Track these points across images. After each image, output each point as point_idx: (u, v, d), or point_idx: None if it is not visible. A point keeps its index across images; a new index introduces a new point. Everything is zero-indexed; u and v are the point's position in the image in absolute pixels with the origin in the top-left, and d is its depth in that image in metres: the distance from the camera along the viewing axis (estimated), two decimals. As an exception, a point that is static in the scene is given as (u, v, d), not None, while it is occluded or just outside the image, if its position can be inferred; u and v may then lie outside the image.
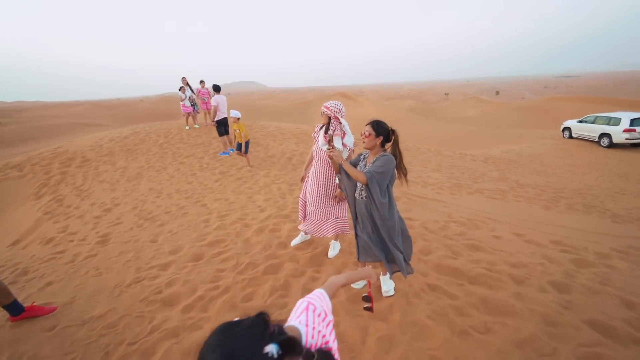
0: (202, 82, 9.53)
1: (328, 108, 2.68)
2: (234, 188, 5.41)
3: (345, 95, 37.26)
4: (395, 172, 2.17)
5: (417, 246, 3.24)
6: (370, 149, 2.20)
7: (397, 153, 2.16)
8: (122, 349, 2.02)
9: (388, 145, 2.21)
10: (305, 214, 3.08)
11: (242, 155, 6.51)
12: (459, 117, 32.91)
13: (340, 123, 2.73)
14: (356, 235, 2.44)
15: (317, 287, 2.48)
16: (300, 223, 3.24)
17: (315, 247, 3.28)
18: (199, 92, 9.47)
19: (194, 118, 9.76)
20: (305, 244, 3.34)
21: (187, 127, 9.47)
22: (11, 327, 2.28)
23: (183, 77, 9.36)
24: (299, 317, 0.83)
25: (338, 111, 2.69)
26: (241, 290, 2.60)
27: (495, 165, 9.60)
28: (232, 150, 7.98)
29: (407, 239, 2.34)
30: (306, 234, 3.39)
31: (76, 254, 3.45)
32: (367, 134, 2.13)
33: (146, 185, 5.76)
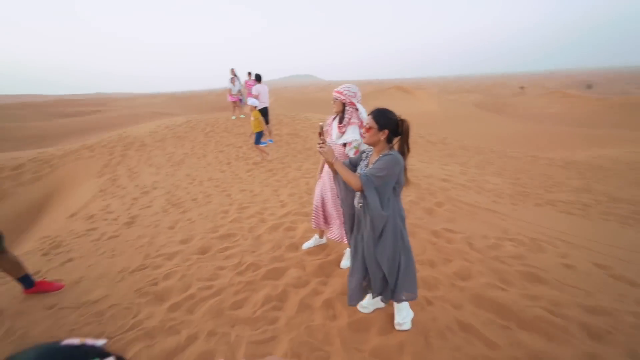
0: (249, 73, 9.68)
1: (341, 93, 2.22)
2: (262, 180, 5.26)
3: (401, 88, 35.12)
4: (404, 175, 1.66)
5: (452, 267, 2.61)
6: (373, 145, 1.73)
7: (405, 150, 1.65)
8: (99, 343, 1.92)
9: (396, 141, 1.71)
10: (326, 220, 2.67)
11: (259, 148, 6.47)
12: (537, 114, 28.51)
13: (357, 110, 2.25)
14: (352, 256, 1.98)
15: (317, 304, 2.09)
16: (317, 230, 2.91)
17: (328, 254, 2.88)
18: (247, 83, 9.65)
19: (240, 108, 10.02)
20: (318, 249, 2.96)
21: (233, 117, 9.76)
22: (23, 299, 2.39)
23: (232, 69, 9.62)
24: None
25: (353, 95, 2.22)
26: (233, 295, 2.34)
27: (579, 172, 7.85)
28: (271, 140, 7.93)
29: (408, 269, 1.83)
30: (321, 237, 3.01)
31: (104, 232, 3.62)
32: (367, 126, 1.66)
33: (184, 171, 5.98)
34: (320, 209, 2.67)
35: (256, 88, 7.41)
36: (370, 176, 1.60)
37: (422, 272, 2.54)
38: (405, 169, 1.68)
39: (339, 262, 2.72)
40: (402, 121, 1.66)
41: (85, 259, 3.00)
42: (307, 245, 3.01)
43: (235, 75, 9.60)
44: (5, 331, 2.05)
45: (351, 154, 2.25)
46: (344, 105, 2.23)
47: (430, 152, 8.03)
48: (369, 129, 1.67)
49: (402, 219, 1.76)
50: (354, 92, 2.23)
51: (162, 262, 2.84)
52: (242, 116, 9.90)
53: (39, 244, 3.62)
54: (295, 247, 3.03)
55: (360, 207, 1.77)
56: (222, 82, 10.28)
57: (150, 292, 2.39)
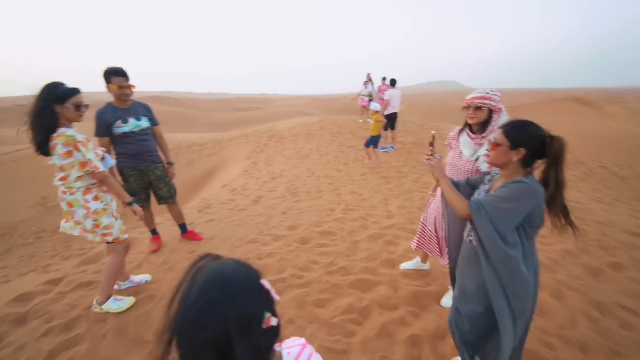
0: (384, 78, 9.67)
1: (489, 98, 1.79)
2: (374, 185, 5.14)
3: (582, 100, 26.71)
4: (540, 214, 1.17)
5: (618, 365, 1.76)
6: (500, 167, 1.31)
7: (558, 180, 1.15)
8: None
9: (539, 165, 1.22)
10: (440, 246, 2.32)
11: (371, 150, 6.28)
12: None
13: (500, 118, 1.80)
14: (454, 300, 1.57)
15: (400, 335, 1.84)
16: (420, 253, 2.60)
17: (428, 283, 2.50)
18: (379, 88, 9.69)
19: (368, 112, 10.16)
20: (417, 273, 2.62)
21: (360, 120, 10.02)
22: (178, 240, 3.18)
23: (368, 73, 9.86)
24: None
25: (499, 100, 1.79)
26: (319, 292, 2.36)
27: None
28: (392, 147, 7.67)
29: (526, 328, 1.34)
30: (423, 261, 2.65)
31: (237, 204, 4.41)
32: (494, 142, 1.28)
33: (306, 165, 6.57)
34: (434, 234, 2.32)
35: (388, 92, 7.32)
36: (485, 205, 1.22)
37: (562, 352, 1.82)
38: (550, 205, 1.21)
39: (440, 296, 2.31)
40: (552, 138, 1.19)
41: (220, 222, 3.73)
42: (405, 265, 2.71)
43: (370, 79, 9.82)
44: (162, 261, 2.79)
45: (484, 167, 1.82)
46: (490, 112, 1.82)
47: (615, 190, 5.76)
48: (496, 146, 1.27)
49: (535, 271, 1.27)
50: (499, 96, 1.80)
51: (269, 241, 3.19)
52: (369, 120, 10.05)
53: (198, 202, 4.80)
54: (392, 263, 2.78)
55: (470, 241, 1.39)
56: (358, 86, 10.76)
57: (253, 264, 2.72)
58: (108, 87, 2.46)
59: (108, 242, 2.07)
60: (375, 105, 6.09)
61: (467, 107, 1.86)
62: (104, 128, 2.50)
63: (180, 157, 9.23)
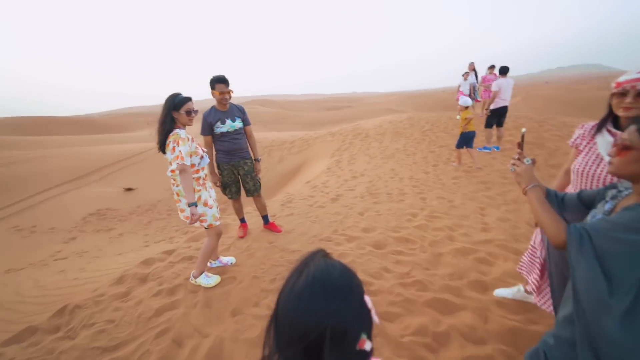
0: (491, 67, 8.30)
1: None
2: (468, 191, 4.45)
3: None
4: None
5: None
6: (631, 180, 0.91)
7: None
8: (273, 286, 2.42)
9: None
10: (542, 275, 1.83)
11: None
12: None
13: None
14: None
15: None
16: (525, 281, 2.08)
17: (532, 320, 1.98)
18: (484, 78, 8.37)
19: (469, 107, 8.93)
20: (518, 305, 2.11)
21: (457, 117, 8.91)
22: (260, 230, 3.46)
23: (471, 63, 8.65)
24: None
25: None
26: (388, 304, 2.16)
27: None
28: (497, 147, 6.54)
29: None
30: (529, 292, 2.12)
31: (316, 201, 4.52)
32: (622, 143, 0.89)
33: (390, 165, 6.24)
34: (540, 259, 1.82)
35: (497, 83, 6.23)
36: (594, 233, 0.83)
37: None
38: None
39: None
40: None
41: (299, 217, 3.88)
42: (502, 292, 2.22)
43: (474, 70, 8.60)
44: (246, 247, 3.07)
45: None
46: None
47: None
48: (624, 150, 0.87)
49: None
50: None
51: (343, 242, 3.12)
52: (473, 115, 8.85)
53: (281, 196, 5.14)
54: (484, 287, 2.32)
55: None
56: (457, 79, 9.58)
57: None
58: (212, 93, 2.83)
59: (205, 228, 2.39)
60: (465, 100, 5.32)
61: (620, 94, 1.34)
62: (207, 128, 2.90)
63: (273, 154, 10.16)
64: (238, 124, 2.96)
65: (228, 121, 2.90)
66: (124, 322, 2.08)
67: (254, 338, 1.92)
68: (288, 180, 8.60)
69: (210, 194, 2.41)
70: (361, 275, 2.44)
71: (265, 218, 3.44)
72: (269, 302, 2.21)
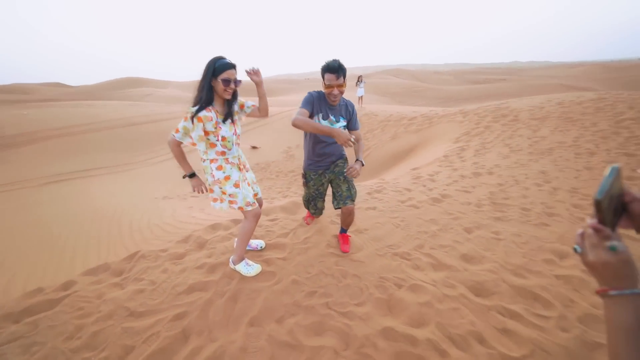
0: None
1: None
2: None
3: None
4: None
5: None
6: None
7: None
8: (319, 293, 1.90)
9: None
10: None
11: None
12: None
13: None
14: None
15: None
16: None
17: None
18: None
19: None
20: None
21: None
22: (329, 227, 2.97)
23: None
24: None
25: None
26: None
27: None
28: None
29: None
30: None
31: (411, 198, 3.58)
32: None
33: (541, 166, 4.33)
34: None
35: None
36: None
37: None
38: None
39: None
40: None
41: (382, 214, 3.14)
42: None
43: None
44: (304, 239, 2.66)
45: None
46: None
47: None
48: None
49: None
50: None
51: (425, 267, 2.24)
52: None
53: (373, 182, 4.40)
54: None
55: None
56: None
57: (385, 292, 1.98)
58: (323, 84, 2.22)
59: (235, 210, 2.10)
60: None
61: None
62: (309, 106, 2.21)
63: (387, 130, 9.21)
64: (341, 124, 2.31)
65: (332, 118, 2.27)
66: (160, 289, 2.10)
67: (256, 367, 1.52)
68: (393, 164, 7.63)
69: (244, 176, 2.11)
70: (432, 332, 1.61)
71: (343, 229, 2.86)
72: (294, 323, 1.75)
